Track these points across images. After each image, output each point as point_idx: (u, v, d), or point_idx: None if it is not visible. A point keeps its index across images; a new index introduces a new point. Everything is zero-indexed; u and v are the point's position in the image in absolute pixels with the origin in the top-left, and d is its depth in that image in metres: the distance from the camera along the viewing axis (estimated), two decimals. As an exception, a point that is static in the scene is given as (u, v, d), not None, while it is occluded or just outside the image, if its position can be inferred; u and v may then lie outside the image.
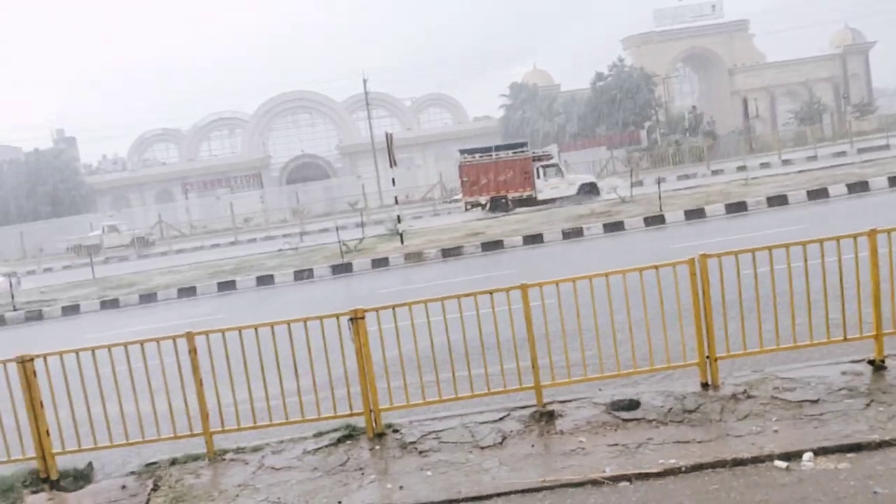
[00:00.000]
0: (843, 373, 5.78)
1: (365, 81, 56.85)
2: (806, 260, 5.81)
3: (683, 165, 42.06)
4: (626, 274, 5.92)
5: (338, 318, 5.93)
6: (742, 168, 34.41)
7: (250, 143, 63.41)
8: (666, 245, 13.97)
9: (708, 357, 5.86)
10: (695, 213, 17.94)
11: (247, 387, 6.00)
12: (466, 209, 26.89)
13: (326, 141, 70.12)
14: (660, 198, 19.51)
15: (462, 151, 27.46)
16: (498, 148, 26.93)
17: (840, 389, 5.54)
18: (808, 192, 18.24)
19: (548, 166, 26.41)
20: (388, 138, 19.91)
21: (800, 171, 25.40)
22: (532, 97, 61.83)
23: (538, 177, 26.32)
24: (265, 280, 17.36)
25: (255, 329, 5.95)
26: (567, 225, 18.86)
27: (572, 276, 5.94)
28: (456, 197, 28.47)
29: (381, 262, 17.48)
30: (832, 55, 63.62)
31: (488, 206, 26.52)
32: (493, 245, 17.63)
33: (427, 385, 6.20)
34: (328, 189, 54.87)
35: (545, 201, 25.92)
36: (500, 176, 26.13)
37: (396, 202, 21.63)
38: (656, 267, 5.89)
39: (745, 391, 5.70)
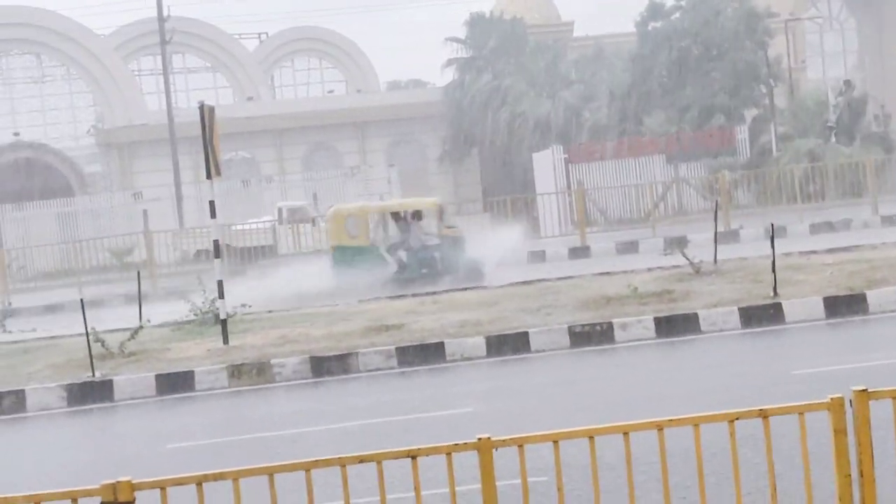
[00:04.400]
0: None
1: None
2: None
3: (825, 202, 43.17)
4: (698, 425, 6.09)
5: (74, 500, 5.96)
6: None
7: None
8: (784, 368, 14.43)
9: None
10: (846, 304, 18.61)
11: None
12: None
13: (71, 115, 69.90)
14: (774, 269, 19.94)
15: None
16: None
17: None
18: None
19: None
20: (206, 116, 20.36)
21: None
22: (514, 47, 62.94)
23: None
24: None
25: None
26: (578, 315, 19.37)
27: (584, 428, 6.13)
28: None
29: (177, 383, 17.85)
30: None
31: None
32: (422, 353, 18.07)
33: None
34: (69, 218, 54.26)
35: None
36: None
37: (218, 253, 21.57)
38: (762, 413, 6.05)
39: None
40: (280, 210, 47.49)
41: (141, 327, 21.40)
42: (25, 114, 68.60)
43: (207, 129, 20.50)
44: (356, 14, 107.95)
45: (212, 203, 21.05)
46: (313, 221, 44.55)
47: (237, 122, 58.66)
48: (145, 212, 45.28)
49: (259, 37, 78.31)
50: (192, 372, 17.91)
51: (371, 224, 30.68)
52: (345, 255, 29.94)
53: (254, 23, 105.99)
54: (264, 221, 46.33)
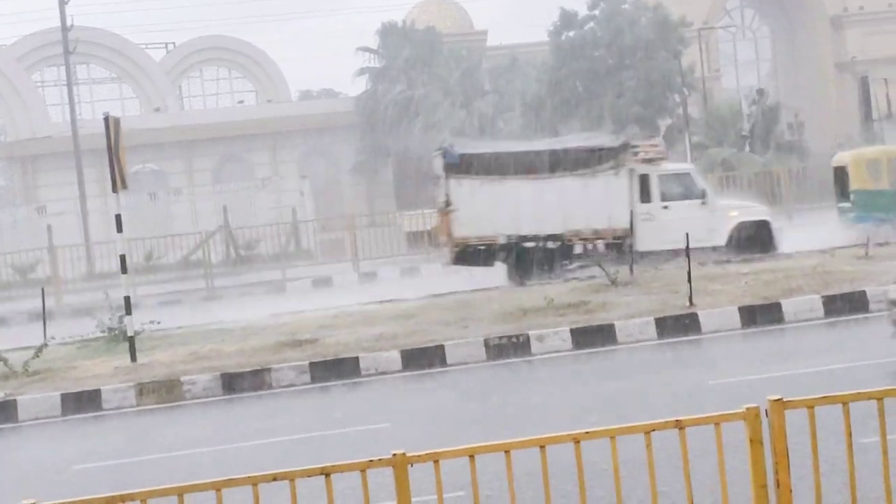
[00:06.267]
0: None
1: (63, 2, 56.32)
2: None
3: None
4: (614, 437, 6.15)
5: None
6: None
7: None
8: (700, 378, 14.63)
9: None
10: (761, 313, 18.89)
11: None
12: None
13: (-28, 127, 68.90)
14: (689, 279, 20.14)
15: None
16: None
17: None
18: None
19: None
20: (111, 128, 20.27)
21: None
22: (428, 56, 62.99)
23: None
24: None
25: None
26: (495, 328, 19.55)
27: (501, 442, 6.15)
28: None
29: (84, 402, 17.70)
30: None
31: None
32: (336, 368, 18.09)
33: None
34: (-30, 234, 53.48)
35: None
36: None
37: (125, 268, 21.38)
38: (678, 424, 6.12)
39: None
40: None
41: (45, 345, 21.12)
42: (-78, 126, 67.72)
43: (113, 140, 20.37)
44: (266, 23, 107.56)
45: (118, 217, 20.89)
46: None
47: (144, 134, 58.07)
48: (49, 226, 44.93)
49: (166, 47, 77.78)
50: (99, 391, 17.76)
51: (892, 168, 31.60)
52: (866, 198, 30.89)
53: (161, 32, 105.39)
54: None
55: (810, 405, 6.08)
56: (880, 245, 25.73)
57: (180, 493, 6.01)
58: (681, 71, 56.03)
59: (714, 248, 27.38)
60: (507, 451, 6.07)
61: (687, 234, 21.30)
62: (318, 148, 66.12)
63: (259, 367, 18.17)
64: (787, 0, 69.58)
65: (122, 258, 21.40)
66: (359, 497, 6.04)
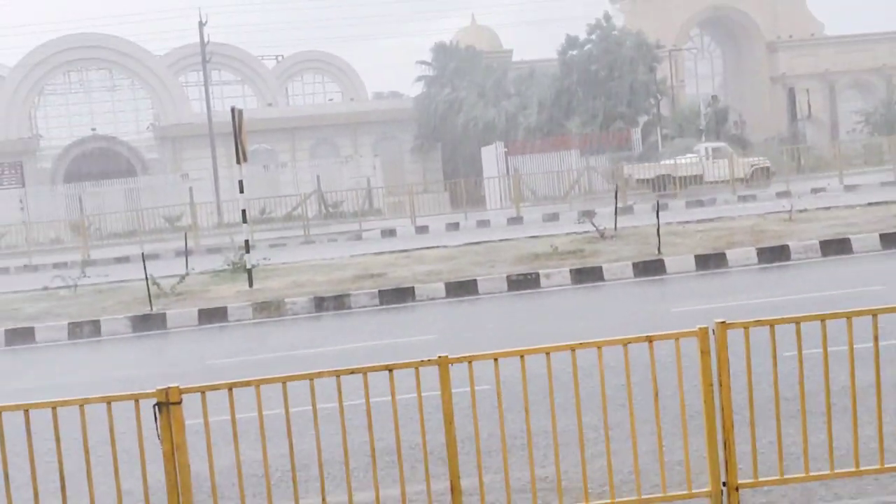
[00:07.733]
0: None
1: (202, 24, 56.48)
2: (877, 339, 6.04)
3: (697, 186, 43.49)
4: (601, 348, 6.11)
5: (136, 400, 5.96)
6: (785, 194, 35.87)
7: (6, 113, 61.71)
8: (665, 307, 14.62)
9: (725, 484, 6.00)
10: (711, 260, 18.77)
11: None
12: None
13: (135, 116, 69.09)
14: (658, 234, 20.07)
15: None
16: None
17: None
18: (883, 237, 19.08)
19: None
20: (236, 117, 20.42)
21: (871, 204, 26.62)
22: (468, 68, 62.85)
23: None
24: (21, 336, 17.36)
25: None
26: (514, 267, 19.50)
27: (517, 349, 6.12)
28: None
29: (214, 315, 17.87)
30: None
31: None
32: (398, 294, 18.08)
33: (278, 517, 6.18)
34: (133, 193, 54.20)
35: None
36: None
37: (245, 219, 21.53)
38: (648, 339, 6.09)
39: (778, 539, 5.83)
40: (706, 149, 45.30)
41: (187, 274, 21.42)
42: (100, 114, 67.76)
43: (237, 126, 20.51)
44: (350, 40, 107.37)
45: (240, 182, 21.07)
46: (731, 158, 43.26)
47: (260, 122, 58.08)
48: (191, 188, 45.33)
49: (276, 58, 77.74)
50: (226, 307, 17.93)
51: None
52: None
53: (273, 47, 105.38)
54: (691, 157, 44.92)
55: (746, 326, 6.06)
56: (800, 211, 25.47)
57: (284, 381, 6.04)
58: (655, 81, 55.98)
59: None
60: (521, 356, 6.08)
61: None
62: (387, 135, 66.05)
63: (342, 293, 18.29)
64: (734, 28, 69.15)
65: (244, 212, 21.61)
66: (413, 387, 6.07)
